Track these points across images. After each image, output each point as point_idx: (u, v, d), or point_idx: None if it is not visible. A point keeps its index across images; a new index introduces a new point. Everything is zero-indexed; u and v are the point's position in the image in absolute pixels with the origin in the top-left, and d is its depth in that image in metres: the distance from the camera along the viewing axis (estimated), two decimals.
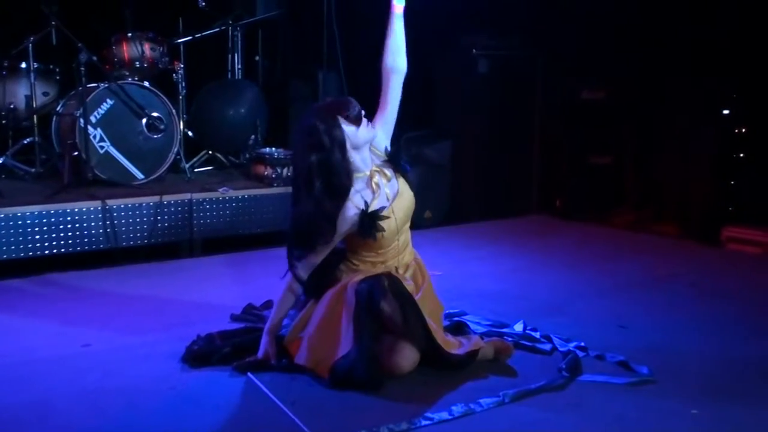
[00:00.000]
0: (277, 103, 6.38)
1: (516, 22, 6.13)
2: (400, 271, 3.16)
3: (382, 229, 3.02)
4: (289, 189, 5.18)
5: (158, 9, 6.04)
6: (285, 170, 5.32)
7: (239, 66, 6.26)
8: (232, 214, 5.09)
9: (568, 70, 6.19)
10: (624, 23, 5.80)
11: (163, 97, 5.28)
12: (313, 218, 2.94)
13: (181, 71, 5.63)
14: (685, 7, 5.53)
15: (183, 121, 5.63)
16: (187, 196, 4.96)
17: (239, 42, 6.24)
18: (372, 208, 3.02)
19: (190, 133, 5.84)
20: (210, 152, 5.89)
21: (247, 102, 5.97)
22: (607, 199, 6.14)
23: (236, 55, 6.24)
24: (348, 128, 2.96)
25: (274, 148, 5.54)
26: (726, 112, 5.61)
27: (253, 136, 5.86)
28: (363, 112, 3.03)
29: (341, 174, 2.94)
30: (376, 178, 3.09)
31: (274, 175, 5.33)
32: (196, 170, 5.69)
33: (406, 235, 3.21)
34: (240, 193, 5.14)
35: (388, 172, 3.14)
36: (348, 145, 2.97)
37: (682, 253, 5.18)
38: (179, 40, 5.86)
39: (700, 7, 5.46)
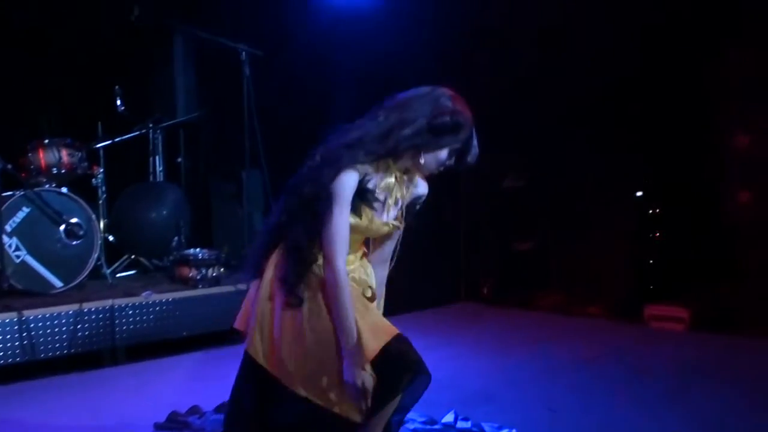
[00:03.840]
0: (201, 204, 6.35)
1: None
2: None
3: (374, 201, 2.69)
4: (214, 290, 5.21)
5: (76, 114, 6.02)
6: (210, 271, 5.26)
7: (161, 168, 6.23)
8: (156, 319, 4.97)
9: (489, 158, 6.34)
10: (537, 113, 6.01)
11: (82, 203, 5.20)
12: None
13: (100, 176, 5.58)
14: (598, 98, 5.76)
15: (103, 226, 5.55)
16: (108, 302, 4.84)
17: (160, 144, 6.22)
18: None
19: (111, 238, 5.75)
20: (132, 256, 5.80)
21: (169, 204, 5.93)
22: (533, 283, 6.24)
23: (157, 157, 6.22)
24: (445, 151, 2.70)
25: (198, 249, 5.48)
26: (640, 193, 5.81)
27: (176, 238, 5.80)
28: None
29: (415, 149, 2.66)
30: (396, 183, 2.78)
31: (198, 277, 5.25)
32: (118, 275, 5.58)
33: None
34: (164, 297, 5.04)
35: (405, 193, 2.84)
36: (439, 152, 2.69)
37: (607, 333, 5.26)
38: (98, 145, 5.82)
39: (611, 97, 5.70)
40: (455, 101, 2.68)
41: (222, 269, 5.36)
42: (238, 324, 2.80)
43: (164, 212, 5.88)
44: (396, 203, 2.79)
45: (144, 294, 5.00)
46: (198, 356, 4.80)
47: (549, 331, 5.32)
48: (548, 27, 5.85)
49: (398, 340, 2.60)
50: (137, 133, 6.07)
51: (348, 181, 2.61)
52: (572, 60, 5.87)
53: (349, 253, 2.70)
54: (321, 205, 2.59)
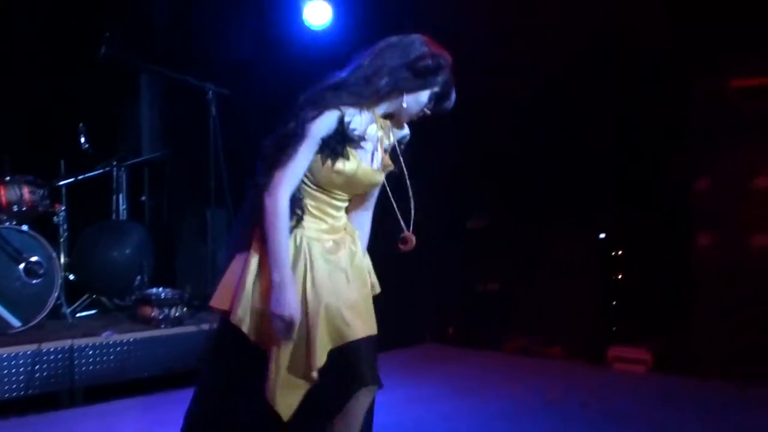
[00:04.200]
0: (164, 243, 6.29)
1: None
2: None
3: (347, 153, 2.66)
4: (177, 330, 5.15)
5: (39, 151, 5.96)
6: (172, 311, 5.20)
7: (124, 206, 6.17)
8: (117, 360, 4.89)
9: (453, 200, 6.39)
10: (500, 155, 6.07)
11: (43, 241, 5.13)
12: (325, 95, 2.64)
13: (62, 213, 5.51)
14: (560, 137, 5.84)
15: (64, 265, 5.47)
16: (68, 342, 4.75)
17: (124, 182, 6.17)
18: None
19: (71, 277, 5.67)
20: (93, 295, 5.72)
21: (132, 242, 5.87)
22: (498, 325, 6.25)
23: (121, 195, 6.17)
24: (426, 93, 2.74)
25: (161, 288, 5.42)
26: (603, 235, 5.88)
27: (138, 277, 5.73)
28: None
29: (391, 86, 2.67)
30: (379, 129, 2.79)
31: (161, 317, 5.18)
32: (78, 315, 5.49)
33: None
34: (125, 337, 4.96)
35: (387, 140, 2.84)
36: (420, 95, 2.72)
37: (571, 375, 5.27)
38: (61, 182, 5.77)
39: (574, 138, 5.78)
40: (432, 45, 2.74)
41: (185, 309, 5.30)
42: (215, 302, 2.73)
43: (127, 251, 5.81)
44: (382, 149, 2.80)
45: (104, 334, 4.92)
46: (160, 398, 4.71)
47: (513, 373, 5.33)
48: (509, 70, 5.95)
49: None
50: (101, 170, 6.02)
51: (327, 122, 2.63)
52: (537, 100, 5.96)
53: (334, 217, 2.74)
54: (292, 141, 2.61)
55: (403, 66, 2.68)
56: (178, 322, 5.21)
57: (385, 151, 2.82)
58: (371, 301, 2.85)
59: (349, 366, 2.62)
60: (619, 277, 5.78)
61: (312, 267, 2.66)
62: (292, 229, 2.67)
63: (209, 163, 5.56)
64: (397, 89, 2.70)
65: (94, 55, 5.69)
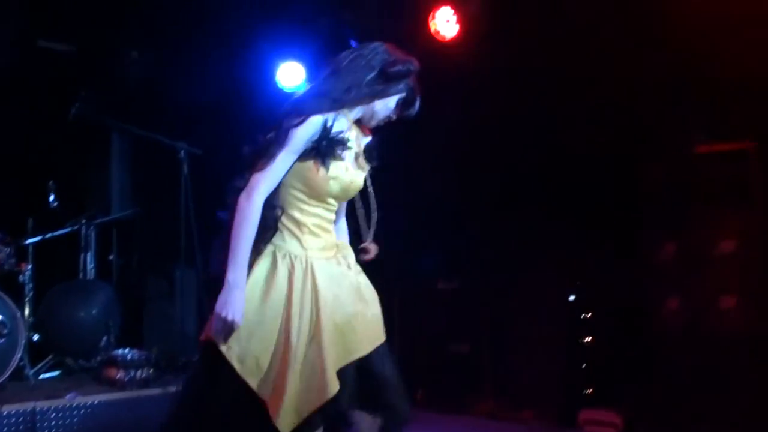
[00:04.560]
0: (132, 303, 6.22)
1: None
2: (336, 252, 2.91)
3: (340, 155, 2.79)
4: (143, 392, 5.05)
5: (6, 209, 5.90)
6: (139, 372, 5.10)
7: (92, 265, 6.11)
8: (80, 423, 4.76)
9: (424, 260, 6.40)
10: (469, 217, 6.12)
11: (7, 300, 5.04)
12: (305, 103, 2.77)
13: (28, 272, 5.44)
14: (528, 201, 5.91)
15: (29, 325, 5.37)
16: (30, 405, 4.62)
17: (93, 241, 6.12)
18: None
19: (35, 337, 5.56)
20: (58, 356, 5.61)
21: (99, 302, 5.78)
22: (467, 388, 6.21)
23: (89, 254, 6.11)
24: (395, 98, 2.91)
25: (127, 350, 5.32)
26: (572, 298, 5.90)
27: (105, 338, 5.64)
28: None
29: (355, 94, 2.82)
30: (354, 134, 2.93)
31: (127, 379, 5.08)
32: (41, 376, 5.37)
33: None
34: (89, 399, 4.84)
35: (359, 144, 2.97)
36: (389, 100, 2.89)
37: None
38: (28, 241, 5.70)
39: (543, 203, 5.85)
40: (396, 51, 2.90)
41: (152, 371, 5.21)
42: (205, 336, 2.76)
43: (93, 311, 5.73)
44: (354, 156, 2.91)
45: (68, 396, 4.81)
46: None
47: None
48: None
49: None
50: (69, 229, 5.97)
51: (310, 128, 2.73)
52: (505, 164, 6.04)
53: (329, 232, 2.86)
54: (274, 146, 2.71)
55: (377, 72, 2.83)
56: (144, 384, 5.11)
57: (356, 156, 2.94)
58: (373, 309, 2.94)
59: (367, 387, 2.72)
60: (588, 340, 5.79)
61: (317, 287, 2.73)
62: (270, 240, 2.76)
63: (179, 222, 5.54)
64: (373, 95, 2.85)
65: (66, 113, 5.69)
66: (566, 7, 5.48)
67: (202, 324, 5.41)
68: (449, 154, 6.25)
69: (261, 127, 2.85)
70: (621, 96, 5.49)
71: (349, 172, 2.85)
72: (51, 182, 5.73)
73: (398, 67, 2.84)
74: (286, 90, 6.53)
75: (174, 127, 6.01)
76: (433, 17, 6.02)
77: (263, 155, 2.73)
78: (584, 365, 5.72)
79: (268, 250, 2.80)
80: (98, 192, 6.83)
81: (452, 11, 5.98)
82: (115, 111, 6.17)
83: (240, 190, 2.73)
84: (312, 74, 6.47)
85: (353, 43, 6.28)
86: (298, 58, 6.59)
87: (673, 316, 5.55)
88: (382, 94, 2.86)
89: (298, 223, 2.80)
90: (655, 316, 5.65)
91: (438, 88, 6.06)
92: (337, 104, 2.79)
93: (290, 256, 2.76)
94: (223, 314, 2.60)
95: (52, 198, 5.70)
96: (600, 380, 5.67)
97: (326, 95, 2.79)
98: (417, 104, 2.95)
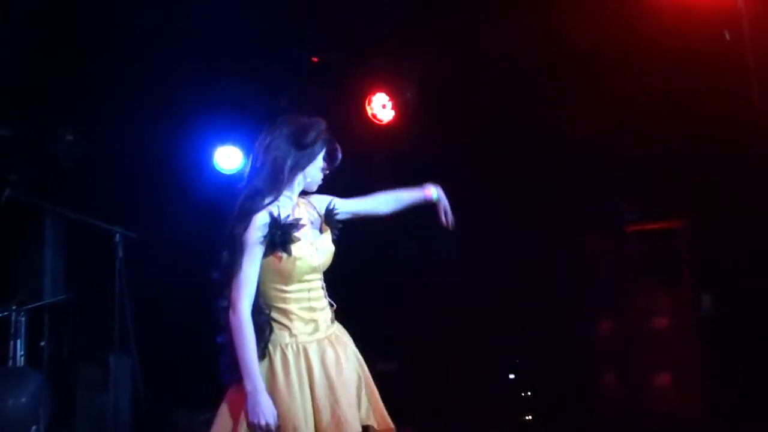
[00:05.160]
0: (63, 391, 6.01)
1: None
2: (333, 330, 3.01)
3: (297, 237, 2.87)
4: None
5: None
6: None
7: (22, 352, 5.92)
8: None
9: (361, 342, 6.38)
10: (413, 297, 6.15)
11: None
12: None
13: None
14: (468, 277, 5.97)
15: None
16: None
17: (23, 327, 5.95)
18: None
19: None
20: None
21: (28, 391, 5.58)
22: None
23: (19, 341, 5.93)
24: (320, 157, 3.04)
25: None
26: (512, 376, 5.94)
27: (34, 427, 5.43)
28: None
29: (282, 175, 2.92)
30: (302, 208, 3.04)
31: None
32: None
33: None
34: None
35: (313, 212, 3.08)
36: (315, 162, 3.01)
37: None
38: None
39: (476, 278, 5.93)
40: (300, 117, 3.04)
41: None
42: None
43: (23, 399, 5.52)
44: (312, 226, 3.02)
45: None
46: None
47: None
48: None
49: None
50: None
51: (258, 226, 2.84)
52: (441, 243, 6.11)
53: (320, 310, 2.96)
54: (235, 258, 2.82)
55: (291, 147, 2.95)
56: None
57: (312, 223, 3.05)
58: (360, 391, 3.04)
59: None
60: (528, 418, 5.81)
61: (311, 372, 2.86)
62: (269, 337, 2.87)
63: (114, 307, 5.43)
64: (301, 167, 2.98)
65: None
66: (497, 87, 5.67)
67: (136, 413, 5.30)
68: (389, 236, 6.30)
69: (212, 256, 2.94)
70: (551, 176, 5.65)
71: (313, 245, 2.95)
72: None
73: (310, 134, 2.97)
74: (224, 172, 6.54)
75: (109, 211, 5.95)
76: (370, 102, 6.17)
77: (231, 271, 2.84)
78: None
79: (267, 351, 2.91)
80: (29, 276, 6.66)
81: (387, 97, 6.15)
82: (48, 194, 6.09)
83: (226, 309, 2.84)
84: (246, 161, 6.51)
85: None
86: (235, 142, 6.62)
87: (609, 392, 5.62)
88: (308, 162, 3.00)
89: (285, 313, 2.91)
90: (591, 392, 5.71)
91: (376, 168, 6.23)
92: (273, 194, 2.92)
93: (281, 347, 2.88)
94: (257, 420, 2.73)
95: None
96: None
97: (260, 191, 2.91)
98: (339, 150, 3.09)
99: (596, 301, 5.73)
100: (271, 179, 2.92)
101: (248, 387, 2.76)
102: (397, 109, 6.18)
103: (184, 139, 6.61)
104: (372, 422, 2.98)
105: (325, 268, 3.05)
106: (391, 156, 6.10)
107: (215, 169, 6.60)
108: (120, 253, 5.50)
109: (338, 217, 3.13)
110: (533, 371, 5.89)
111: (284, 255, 2.86)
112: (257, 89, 6.42)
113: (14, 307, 5.91)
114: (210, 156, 6.61)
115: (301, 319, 2.93)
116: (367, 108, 6.20)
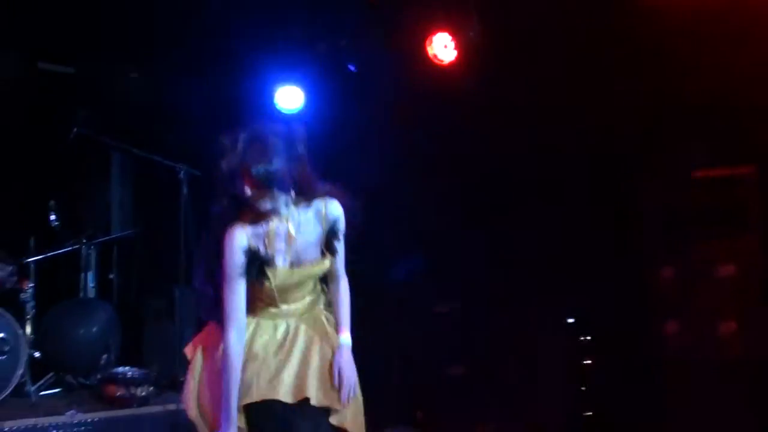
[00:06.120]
0: (132, 322, 6.22)
1: None
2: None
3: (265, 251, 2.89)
4: (143, 410, 5.05)
5: (7, 227, 5.92)
6: (138, 390, 5.10)
7: (92, 284, 6.13)
8: None
9: (420, 285, 6.44)
10: (470, 238, 6.16)
11: (9, 317, 5.06)
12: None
13: (30, 290, 5.45)
14: (522, 223, 5.95)
15: (30, 342, 5.38)
16: (31, 421, 4.63)
17: (93, 260, 6.14)
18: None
19: (37, 354, 5.56)
20: (58, 373, 5.61)
21: (99, 321, 5.79)
22: (467, 410, 6.20)
23: (89, 273, 6.13)
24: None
25: (127, 368, 5.32)
26: (571, 320, 5.92)
27: (105, 356, 5.65)
28: None
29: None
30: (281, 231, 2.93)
31: (127, 396, 5.08)
32: (42, 393, 5.37)
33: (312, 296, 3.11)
34: (89, 416, 4.84)
35: (317, 227, 2.98)
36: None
37: None
38: (29, 259, 5.71)
39: (537, 223, 5.89)
40: (228, 133, 2.96)
41: (151, 388, 5.20)
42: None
43: (94, 329, 5.74)
44: (290, 243, 2.91)
45: (68, 413, 4.81)
46: None
47: None
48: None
49: None
50: (70, 248, 5.98)
51: (232, 247, 2.84)
52: (502, 188, 6.10)
53: (295, 300, 2.99)
54: (222, 288, 2.86)
55: (237, 154, 2.90)
56: (144, 401, 5.11)
57: (300, 247, 2.95)
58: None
59: None
60: (588, 362, 5.80)
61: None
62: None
63: (179, 241, 5.56)
64: (257, 186, 2.82)
65: (67, 133, 5.73)
66: (562, 37, 5.54)
67: None
68: (446, 179, 6.30)
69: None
70: (619, 121, 5.55)
71: (292, 268, 2.94)
72: (52, 202, 5.75)
73: (252, 136, 2.89)
74: (284, 112, 6.58)
75: (174, 148, 6.06)
76: (431, 42, 6.05)
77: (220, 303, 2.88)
78: (583, 387, 5.73)
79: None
80: (98, 211, 6.85)
81: (450, 37, 6.02)
82: (115, 131, 6.21)
83: (217, 215, 2.91)
84: (309, 99, 6.54)
85: (351, 67, 6.37)
86: (296, 81, 6.64)
87: (672, 339, 5.57)
88: (254, 181, 2.85)
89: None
90: (653, 339, 5.67)
91: (436, 110, 6.19)
92: (234, 212, 2.93)
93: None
94: None
95: (53, 217, 5.72)
96: (600, 404, 5.67)
97: (218, 219, 2.94)
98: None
99: (660, 246, 5.65)
100: (231, 206, 2.94)
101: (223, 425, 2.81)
102: (460, 50, 6.03)
103: (245, 79, 6.65)
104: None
105: (312, 277, 3.04)
106: (451, 100, 6.03)
107: (276, 108, 6.64)
108: (184, 190, 5.62)
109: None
110: (593, 316, 5.86)
111: (257, 284, 2.90)
112: (317, 29, 6.40)
113: (84, 241, 6.08)
114: (271, 96, 6.65)
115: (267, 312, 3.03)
116: (428, 48, 6.07)
